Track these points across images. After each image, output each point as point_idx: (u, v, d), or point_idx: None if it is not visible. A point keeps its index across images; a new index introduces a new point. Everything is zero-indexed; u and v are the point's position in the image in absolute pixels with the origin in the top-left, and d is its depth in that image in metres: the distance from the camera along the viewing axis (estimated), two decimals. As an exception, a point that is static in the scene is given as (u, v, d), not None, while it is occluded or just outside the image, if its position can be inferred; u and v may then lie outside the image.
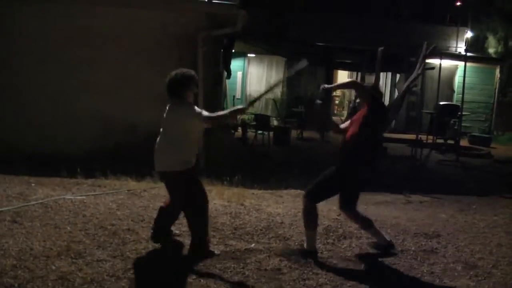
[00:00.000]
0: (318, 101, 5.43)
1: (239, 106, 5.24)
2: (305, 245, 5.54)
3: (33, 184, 7.77)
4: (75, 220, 6.12)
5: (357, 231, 6.29)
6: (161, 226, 5.49)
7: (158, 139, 5.27)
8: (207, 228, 5.47)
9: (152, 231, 5.49)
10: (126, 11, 9.64)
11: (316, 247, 5.55)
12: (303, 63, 5.95)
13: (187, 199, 5.25)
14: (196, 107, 5.12)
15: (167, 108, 5.20)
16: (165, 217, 5.46)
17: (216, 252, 5.36)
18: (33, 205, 6.58)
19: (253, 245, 5.61)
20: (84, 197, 7.17)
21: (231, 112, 5.22)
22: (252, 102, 5.80)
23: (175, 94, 5.14)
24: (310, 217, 5.49)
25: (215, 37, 10.08)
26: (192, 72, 5.21)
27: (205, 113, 5.06)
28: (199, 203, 5.33)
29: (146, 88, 9.46)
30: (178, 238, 5.70)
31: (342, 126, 5.99)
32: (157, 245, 5.40)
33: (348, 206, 5.58)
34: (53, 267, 4.68)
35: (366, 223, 5.70)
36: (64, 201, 6.87)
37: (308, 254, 5.40)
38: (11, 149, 9.05)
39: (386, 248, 5.68)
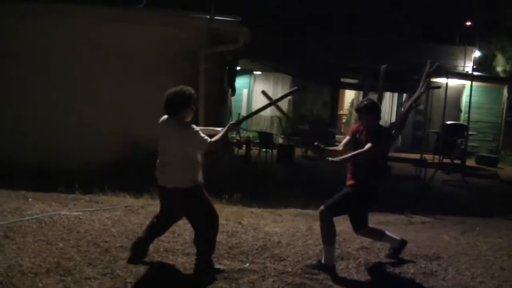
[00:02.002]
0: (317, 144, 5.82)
1: (230, 123, 5.22)
2: (323, 260, 5.55)
3: (30, 199, 7.71)
4: (68, 236, 6.04)
5: (355, 252, 6.16)
6: (144, 243, 5.41)
7: (163, 156, 5.16)
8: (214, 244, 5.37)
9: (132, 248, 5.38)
10: (128, 26, 9.63)
11: (334, 262, 5.58)
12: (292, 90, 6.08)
13: (204, 213, 5.18)
14: (196, 129, 5.01)
15: (165, 124, 5.10)
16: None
17: (221, 267, 5.29)
18: (28, 220, 6.51)
19: (247, 265, 5.49)
20: (80, 213, 7.09)
21: (225, 132, 5.19)
22: (244, 118, 5.74)
23: (173, 112, 5.05)
24: (330, 231, 5.54)
25: (218, 54, 10.04)
26: (192, 90, 5.13)
27: (205, 138, 4.99)
28: (213, 218, 5.25)
29: (148, 105, 9.34)
30: (161, 256, 5.58)
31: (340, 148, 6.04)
32: (147, 264, 5.29)
33: (364, 226, 5.76)
34: (40, 285, 4.59)
35: (380, 235, 5.93)
36: (59, 216, 6.79)
37: (327, 269, 5.43)
38: (10, 163, 8.99)
39: (401, 245, 5.98)
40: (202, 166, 5.21)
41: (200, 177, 5.15)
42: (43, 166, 9.02)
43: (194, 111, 5.25)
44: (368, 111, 5.66)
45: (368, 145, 5.51)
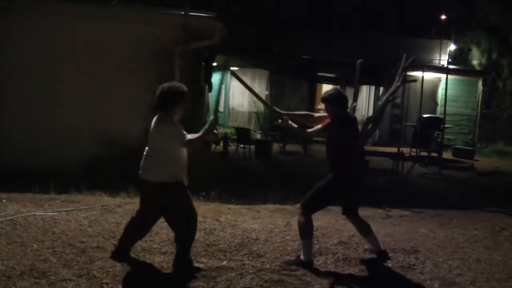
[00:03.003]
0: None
1: (209, 121, 5.19)
2: (301, 256, 5.53)
3: (4, 200, 7.56)
4: (43, 237, 5.94)
5: (333, 247, 6.17)
6: (128, 242, 5.35)
7: (147, 148, 5.15)
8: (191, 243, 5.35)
9: (116, 247, 5.31)
10: (101, 24, 9.51)
11: (311, 257, 5.57)
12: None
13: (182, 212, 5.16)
14: (180, 127, 5.01)
15: (154, 119, 5.09)
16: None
17: (201, 266, 5.26)
18: (1, 222, 6.38)
19: (225, 262, 5.45)
20: (55, 213, 6.98)
21: (206, 130, 5.13)
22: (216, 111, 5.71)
23: (162, 107, 5.03)
24: (307, 227, 5.56)
25: (194, 50, 9.94)
26: (185, 88, 5.10)
27: (186, 137, 4.96)
28: (192, 217, 5.23)
29: (123, 102, 9.32)
30: (138, 256, 5.52)
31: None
32: (124, 263, 5.22)
33: (356, 212, 5.88)
34: (14, 288, 4.50)
35: (367, 229, 5.85)
36: (34, 217, 6.68)
37: (306, 265, 5.42)
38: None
39: (381, 255, 5.82)
40: (185, 166, 5.19)
41: (181, 175, 5.13)
42: (17, 166, 8.86)
43: (185, 109, 5.21)
44: (332, 100, 5.66)
45: (317, 127, 5.70)
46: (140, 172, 5.15)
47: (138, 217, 5.32)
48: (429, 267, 5.74)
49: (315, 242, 6.29)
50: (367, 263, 5.73)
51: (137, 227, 5.34)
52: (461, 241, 6.85)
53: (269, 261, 5.58)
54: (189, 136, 5.00)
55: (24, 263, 5.08)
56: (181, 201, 5.15)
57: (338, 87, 12.79)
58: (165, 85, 5.05)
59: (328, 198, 5.78)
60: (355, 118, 6.12)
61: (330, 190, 5.65)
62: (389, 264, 5.76)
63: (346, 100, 5.75)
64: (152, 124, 5.08)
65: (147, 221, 5.38)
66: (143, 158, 5.16)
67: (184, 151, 5.16)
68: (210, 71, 12.21)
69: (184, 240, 5.20)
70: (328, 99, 5.70)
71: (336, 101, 5.67)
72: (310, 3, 23.08)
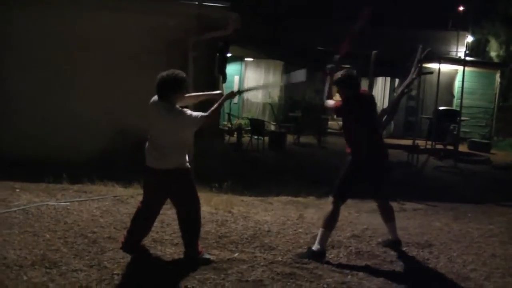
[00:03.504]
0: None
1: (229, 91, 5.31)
2: (315, 245, 5.50)
3: (17, 190, 7.60)
4: (55, 227, 5.95)
5: (346, 240, 6.11)
6: (137, 233, 5.28)
7: (155, 139, 5.06)
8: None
9: (125, 239, 5.25)
10: (114, 15, 9.44)
11: (325, 248, 5.54)
12: (301, 75, 6.03)
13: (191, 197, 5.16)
14: (189, 112, 4.94)
15: (157, 107, 4.99)
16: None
17: (211, 258, 5.22)
18: (15, 211, 6.42)
19: (236, 254, 5.42)
20: (68, 203, 7.01)
21: (222, 101, 5.19)
22: (242, 91, 5.68)
23: (164, 96, 4.96)
24: (332, 218, 5.56)
25: (207, 41, 9.89)
26: (183, 74, 5.04)
27: (199, 114, 4.92)
28: (198, 204, 5.24)
29: (135, 94, 9.25)
30: (149, 247, 5.49)
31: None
32: (135, 254, 5.20)
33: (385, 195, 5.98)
34: (25, 277, 4.51)
35: (390, 216, 5.91)
36: (47, 207, 6.70)
37: (318, 254, 5.40)
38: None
39: (395, 244, 5.89)
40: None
41: (187, 159, 5.11)
42: (30, 156, 8.87)
43: (185, 95, 5.19)
44: (340, 82, 5.69)
45: (332, 104, 5.80)
46: (151, 162, 5.06)
47: (144, 208, 5.27)
48: (443, 262, 5.66)
49: (328, 235, 6.25)
50: (380, 257, 5.66)
51: (144, 218, 5.28)
52: (476, 236, 6.76)
53: (281, 253, 5.54)
54: (202, 113, 4.95)
55: (36, 252, 5.09)
56: (190, 187, 5.14)
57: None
58: (164, 73, 4.97)
59: (354, 180, 5.68)
60: (370, 96, 6.09)
61: (353, 172, 5.59)
62: (403, 258, 5.69)
63: (355, 80, 5.70)
64: (159, 113, 4.97)
65: (154, 210, 5.31)
66: (151, 148, 5.07)
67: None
68: (224, 62, 12.16)
69: (192, 230, 5.18)
70: (336, 81, 5.73)
71: (343, 83, 5.66)
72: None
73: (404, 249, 5.96)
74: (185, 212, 5.17)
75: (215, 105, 5.10)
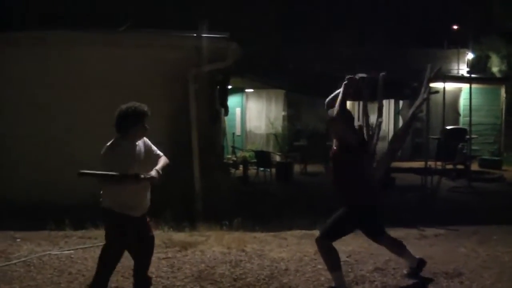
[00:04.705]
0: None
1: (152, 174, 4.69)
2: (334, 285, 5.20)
3: (18, 239, 7.27)
4: (58, 279, 5.61)
5: (369, 274, 5.73)
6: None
7: None
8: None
9: None
10: (111, 50, 9.22)
11: (346, 285, 5.17)
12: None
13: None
14: (108, 154, 4.62)
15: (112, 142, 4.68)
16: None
17: None
18: (15, 264, 6.09)
19: (254, 298, 5.03)
20: (71, 251, 6.67)
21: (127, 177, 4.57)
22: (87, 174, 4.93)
23: (123, 130, 4.67)
24: (333, 257, 5.17)
25: (208, 74, 9.62)
26: (145, 108, 4.72)
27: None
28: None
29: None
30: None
31: None
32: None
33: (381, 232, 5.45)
34: None
35: (401, 248, 5.55)
36: (49, 257, 6.38)
37: None
38: (-2, 200, 8.49)
39: (419, 265, 5.56)
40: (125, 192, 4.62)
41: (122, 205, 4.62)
42: (30, 202, 8.52)
43: (146, 130, 4.79)
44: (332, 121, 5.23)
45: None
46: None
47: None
48: (476, 292, 5.27)
49: (349, 269, 5.87)
50: (408, 291, 5.27)
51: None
52: (507, 260, 6.34)
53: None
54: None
55: (37, 309, 4.73)
56: (111, 232, 4.75)
57: (362, 103, 12.27)
58: (124, 106, 4.68)
59: (348, 228, 5.36)
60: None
61: (350, 219, 5.22)
62: (433, 290, 5.29)
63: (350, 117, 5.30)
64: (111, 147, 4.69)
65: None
66: None
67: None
68: (226, 94, 11.92)
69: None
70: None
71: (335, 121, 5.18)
72: (324, 19, 22.80)
73: (432, 279, 5.55)
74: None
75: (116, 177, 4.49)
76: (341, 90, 5.17)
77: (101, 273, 4.79)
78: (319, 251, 5.27)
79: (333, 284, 5.20)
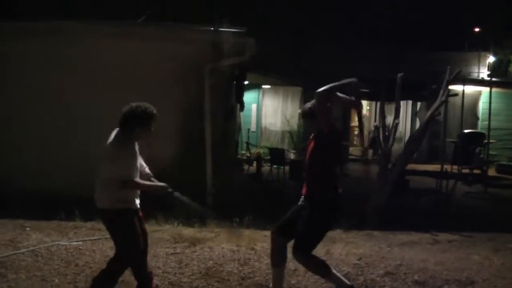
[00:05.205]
0: None
1: (162, 184, 4.68)
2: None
3: (27, 229, 7.25)
4: (65, 270, 5.56)
5: (380, 279, 5.62)
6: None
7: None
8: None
9: None
10: (128, 43, 9.15)
11: (348, 283, 4.80)
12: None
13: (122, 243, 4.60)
14: (127, 156, 4.48)
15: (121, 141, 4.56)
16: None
17: None
18: (23, 253, 6.05)
19: (261, 299, 4.95)
20: (80, 242, 6.64)
21: (152, 187, 4.67)
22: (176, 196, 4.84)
23: (127, 128, 4.52)
24: (318, 264, 4.80)
25: (224, 69, 9.54)
26: (154, 110, 4.57)
27: (125, 173, 4.42)
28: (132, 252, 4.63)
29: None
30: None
31: None
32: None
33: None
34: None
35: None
36: (57, 248, 6.34)
37: None
38: (8, 190, 8.47)
39: None
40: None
41: (126, 200, 4.54)
42: (43, 192, 8.50)
43: (151, 133, 4.64)
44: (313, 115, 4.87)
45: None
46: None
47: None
48: (489, 302, 5.14)
49: (359, 273, 5.77)
50: (419, 298, 5.16)
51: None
52: (522, 270, 6.21)
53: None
54: (128, 174, 4.43)
55: (43, 300, 4.69)
56: (122, 231, 4.57)
57: (379, 103, 12.07)
58: (134, 104, 4.54)
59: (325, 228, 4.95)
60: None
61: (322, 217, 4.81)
62: (444, 298, 5.18)
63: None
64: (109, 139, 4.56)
65: None
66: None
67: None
68: (242, 89, 11.83)
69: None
70: (309, 114, 4.91)
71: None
72: (344, 19, 22.62)
73: (444, 287, 5.43)
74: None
75: (147, 183, 4.62)
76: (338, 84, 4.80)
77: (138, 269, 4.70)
78: (303, 265, 4.90)
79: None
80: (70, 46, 9.18)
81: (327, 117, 4.74)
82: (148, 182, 4.66)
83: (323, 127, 4.74)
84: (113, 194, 4.45)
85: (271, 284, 5.07)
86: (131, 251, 4.53)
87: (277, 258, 4.95)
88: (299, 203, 5.11)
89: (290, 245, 4.82)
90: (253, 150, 15.96)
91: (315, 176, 4.88)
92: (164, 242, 6.80)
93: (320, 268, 4.78)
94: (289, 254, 6.26)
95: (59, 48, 9.21)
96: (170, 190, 4.69)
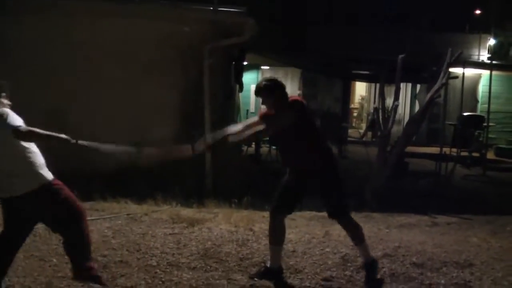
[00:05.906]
0: None
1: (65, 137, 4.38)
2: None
3: (25, 209, 7.20)
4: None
5: (378, 260, 5.57)
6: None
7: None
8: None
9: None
10: (125, 21, 9.03)
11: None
12: None
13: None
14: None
15: None
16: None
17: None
18: (20, 233, 6.00)
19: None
20: (78, 222, 6.57)
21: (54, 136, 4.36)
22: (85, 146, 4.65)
23: None
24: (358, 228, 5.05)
25: (223, 49, 9.45)
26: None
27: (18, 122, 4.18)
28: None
29: (149, 104, 8.89)
30: (164, 272, 5.02)
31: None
32: (149, 280, 4.75)
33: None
34: (27, 310, 4.08)
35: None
36: (55, 228, 6.28)
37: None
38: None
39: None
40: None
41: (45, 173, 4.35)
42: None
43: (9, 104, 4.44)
44: (269, 91, 4.86)
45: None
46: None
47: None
48: (487, 284, 5.12)
49: (358, 254, 5.74)
50: (417, 279, 5.15)
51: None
52: (520, 253, 6.21)
53: (308, 277, 5.06)
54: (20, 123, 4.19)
55: (41, 280, 4.71)
56: (58, 201, 4.34)
57: (379, 85, 12.03)
58: None
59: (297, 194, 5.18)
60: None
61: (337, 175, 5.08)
62: (442, 280, 5.16)
63: (284, 88, 4.96)
64: None
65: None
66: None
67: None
68: (241, 70, 11.73)
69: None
70: (264, 90, 4.89)
71: (273, 92, 4.87)
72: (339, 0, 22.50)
73: (442, 269, 5.43)
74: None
75: (46, 132, 4.29)
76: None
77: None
78: (349, 227, 5.09)
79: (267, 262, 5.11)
80: (65, 24, 9.04)
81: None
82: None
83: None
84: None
85: (268, 262, 5.06)
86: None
87: (276, 236, 5.00)
88: (288, 177, 5.25)
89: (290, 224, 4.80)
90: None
91: (306, 150, 5.00)
92: (163, 222, 6.79)
93: (361, 233, 5.03)
94: (287, 235, 6.29)
95: (53, 25, 9.05)
96: (73, 141, 4.43)
